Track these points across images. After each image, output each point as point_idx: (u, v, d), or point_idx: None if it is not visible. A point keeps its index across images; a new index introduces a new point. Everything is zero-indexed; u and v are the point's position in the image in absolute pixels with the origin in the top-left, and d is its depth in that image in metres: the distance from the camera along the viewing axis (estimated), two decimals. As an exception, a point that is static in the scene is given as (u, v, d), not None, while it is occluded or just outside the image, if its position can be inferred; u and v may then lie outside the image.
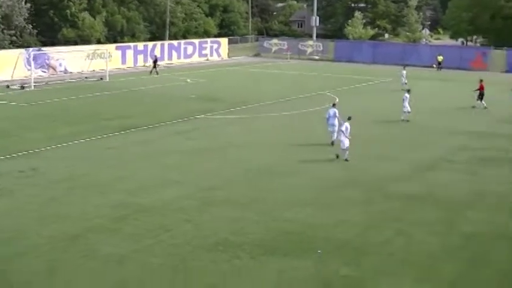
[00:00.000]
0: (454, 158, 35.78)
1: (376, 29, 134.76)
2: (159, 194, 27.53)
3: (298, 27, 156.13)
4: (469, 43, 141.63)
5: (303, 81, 71.76)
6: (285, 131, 42.53)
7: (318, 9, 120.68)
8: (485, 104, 53.21)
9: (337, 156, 34.00)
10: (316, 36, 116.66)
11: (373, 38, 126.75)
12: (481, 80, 54.80)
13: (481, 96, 53.81)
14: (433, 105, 54.44)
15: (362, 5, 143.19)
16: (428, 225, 24.12)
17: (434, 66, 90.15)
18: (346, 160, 33.56)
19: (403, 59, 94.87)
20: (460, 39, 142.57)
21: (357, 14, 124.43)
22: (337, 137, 36.27)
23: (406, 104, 46.10)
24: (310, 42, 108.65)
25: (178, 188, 28.57)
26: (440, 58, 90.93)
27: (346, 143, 33.50)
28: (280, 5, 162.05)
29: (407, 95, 46.63)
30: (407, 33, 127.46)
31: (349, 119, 34.37)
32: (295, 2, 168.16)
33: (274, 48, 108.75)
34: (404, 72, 65.76)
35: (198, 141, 38.75)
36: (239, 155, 35.12)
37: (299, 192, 28.20)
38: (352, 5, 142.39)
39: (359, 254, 21.18)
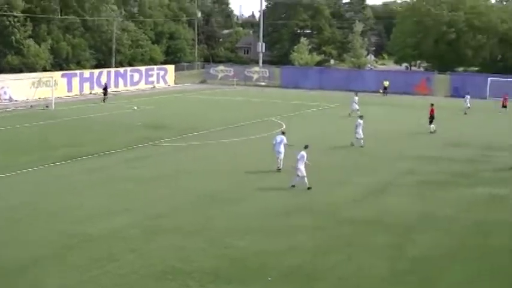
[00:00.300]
0: (402, 182, 36.06)
1: (322, 55, 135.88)
2: (106, 222, 27.17)
3: (245, 53, 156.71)
4: (414, 68, 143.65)
5: (250, 108, 71.91)
6: (233, 157, 42.46)
7: (264, 36, 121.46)
8: (434, 128, 53.86)
9: (293, 186, 33.57)
10: (263, 63, 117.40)
11: (319, 64, 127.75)
12: (432, 104, 55.65)
13: (431, 120, 54.50)
14: (380, 130, 54.91)
15: (308, 31, 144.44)
16: (378, 250, 24.19)
17: (381, 91, 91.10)
18: (308, 188, 33.04)
19: (348, 85, 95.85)
20: (405, 64, 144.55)
21: (303, 40, 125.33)
22: (283, 164, 36.41)
23: (360, 130, 46.38)
24: (257, 69, 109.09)
25: (125, 216, 28.24)
26: (386, 83, 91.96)
27: (303, 170, 33.19)
28: (226, 31, 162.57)
29: (360, 121, 46.92)
30: (353, 59, 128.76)
31: (305, 147, 34.17)
32: (241, 29, 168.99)
33: (220, 75, 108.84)
34: (357, 98, 66.09)
35: (146, 169, 38.46)
36: (188, 182, 34.92)
37: (248, 219, 28.08)
38: (298, 31, 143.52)
39: (309, 280, 21.11)
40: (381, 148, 46.51)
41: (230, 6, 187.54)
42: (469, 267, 22.69)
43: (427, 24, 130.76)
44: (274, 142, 37.95)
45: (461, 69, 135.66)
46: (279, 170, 37.12)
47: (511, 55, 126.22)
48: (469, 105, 70.58)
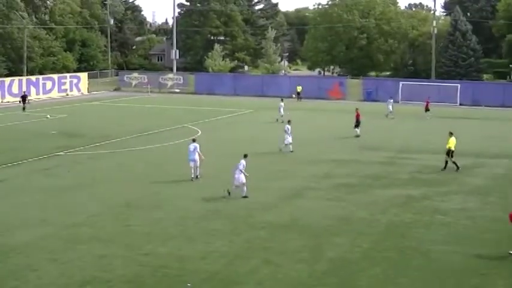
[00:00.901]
0: (318, 186, 36.48)
1: (236, 61, 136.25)
2: (23, 233, 26.71)
3: (159, 60, 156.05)
4: (327, 73, 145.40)
5: (164, 115, 71.57)
6: (148, 165, 42.23)
7: (177, 42, 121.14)
8: (358, 132, 54.81)
9: (229, 193, 33.10)
10: (177, 70, 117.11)
11: (233, 70, 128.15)
12: (357, 109, 56.57)
13: (357, 124, 55.34)
14: (296, 134, 55.38)
15: (221, 37, 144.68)
16: (295, 253, 24.42)
17: (294, 96, 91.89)
18: (245, 197, 32.81)
19: (263, 91, 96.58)
20: (318, 70, 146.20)
21: (217, 46, 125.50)
22: (199, 172, 36.51)
23: (288, 135, 46.74)
24: (171, 76, 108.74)
25: (42, 226, 27.82)
26: (299, 88, 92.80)
27: (242, 178, 32.94)
28: (139, 38, 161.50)
29: (288, 126, 47.32)
30: (266, 65, 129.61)
31: (245, 156, 33.97)
32: (154, 36, 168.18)
33: (134, 82, 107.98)
34: (282, 104, 65.99)
35: (61, 178, 37.91)
36: (103, 191, 34.59)
37: (166, 226, 27.98)
38: (212, 38, 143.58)
39: (228, 284, 21.20)
40: (298, 152, 46.93)
41: (143, 13, 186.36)
42: (386, 268, 23.11)
43: (339, 30, 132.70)
44: (189, 151, 37.71)
45: (373, 73, 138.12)
46: (195, 178, 36.93)
47: (421, 59, 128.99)
48: (391, 109, 71.85)
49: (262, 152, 46.35)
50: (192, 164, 37.18)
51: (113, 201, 32.14)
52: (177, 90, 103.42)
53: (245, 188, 32.99)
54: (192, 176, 37.02)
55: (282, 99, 68.08)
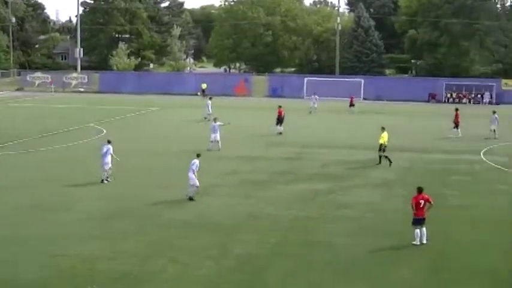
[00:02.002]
0: (225, 182, 36.54)
1: (141, 59, 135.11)
2: None
3: (62, 59, 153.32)
4: (233, 70, 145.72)
5: (69, 114, 70.39)
6: (54, 165, 41.42)
7: (81, 41, 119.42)
8: (281, 129, 55.05)
9: (190, 198, 32.40)
10: (81, 68, 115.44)
11: (138, 68, 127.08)
12: (280, 106, 56.72)
13: (280, 121, 55.47)
14: (202, 133, 55.35)
15: (126, 35, 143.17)
16: (202, 251, 24.38)
17: (199, 93, 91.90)
18: (191, 199, 32.23)
19: (168, 88, 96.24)
20: (224, 67, 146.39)
21: (121, 44, 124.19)
22: (109, 174, 36.04)
23: (214, 133, 46.79)
24: (75, 75, 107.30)
25: None
26: (204, 86, 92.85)
27: (196, 180, 32.36)
28: (42, 37, 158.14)
29: (219, 123, 47.40)
30: (172, 63, 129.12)
31: (198, 156, 33.53)
32: (57, 34, 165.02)
33: (37, 82, 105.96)
34: (210, 102, 65.32)
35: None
36: (6, 192, 33.74)
37: (72, 227, 27.49)
38: (117, 35, 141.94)
39: (136, 284, 21.02)
40: (200, 150, 46.86)
41: (46, 11, 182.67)
42: (293, 263, 23.32)
43: (244, 27, 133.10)
44: (101, 153, 36.40)
45: (278, 70, 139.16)
46: (102, 181, 36.08)
47: (325, 55, 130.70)
48: (315, 105, 72.67)
49: (168, 150, 46.18)
50: (106, 166, 36.15)
51: (14, 204, 31.29)
52: (82, 90, 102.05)
53: (194, 189, 32.40)
54: (103, 178, 36.17)
55: (210, 98, 67.38)
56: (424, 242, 25.54)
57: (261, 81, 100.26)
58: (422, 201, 25.64)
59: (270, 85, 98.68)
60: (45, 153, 45.96)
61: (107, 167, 36.10)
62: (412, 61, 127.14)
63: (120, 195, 33.10)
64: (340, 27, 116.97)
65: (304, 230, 27.58)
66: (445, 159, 44.91)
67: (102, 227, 27.58)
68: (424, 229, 25.58)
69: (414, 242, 25.48)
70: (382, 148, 42.06)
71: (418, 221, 25.60)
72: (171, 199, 32.39)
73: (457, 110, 56.51)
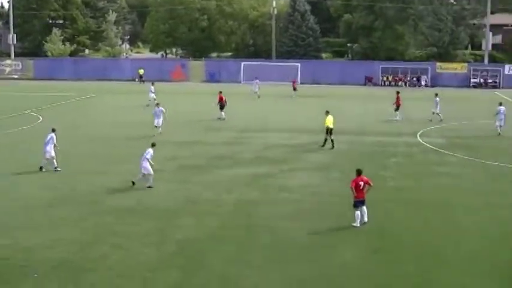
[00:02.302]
0: (164, 168, 36.30)
1: (76, 45, 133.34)
2: None
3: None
4: (170, 55, 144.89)
5: (3, 102, 68.93)
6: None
7: (14, 27, 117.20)
8: (224, 116, 54.85)
9: (133, 184, 31.97)
10: (15, 55, 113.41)
11: (74, 54, 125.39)
12: (220, 92, 56.50)
13: (221, 107, 55.28)
14: (139, 118, 55.01)
15: (60, 21, 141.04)
16: (143, 236, 24.26)
17: (136, 79, 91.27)
18: (149, 187, 31.69)
19: (105, 74, 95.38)
20: (160, 52, 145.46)
21: (55, 30, 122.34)
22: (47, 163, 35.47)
23: (159, 118, 46.76)
24: (9, 62, 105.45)
25: None
26: (141, 71, 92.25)
27: (149, 168, 31.77)
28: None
29: (158, 108, 47.24)
30: (108, 48, 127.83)
31: (152, 145, 32.88)
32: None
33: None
34: (153, 87, 64.69)
35: None
36: None
37: (9, 216, 26.96)
38: (50, 21, 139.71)
39: (77, 272, 20.77)
40: (138, 135, 46.67)
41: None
42: (234, 246, 23.36)
43: (180, 12, 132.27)
44: (45, 140, 35.50)
45: (215, 55, 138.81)
46: (41, 168, 35.43)
47: (261, 40, 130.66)
48: (257, 90, 72.71)
49: (106, 137, 45.77)
50: (46, 155, 35.39)
51: (-50, 193, 30.78)
52: (16, 76, 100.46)
53: (151, 178, 31.94)
54: (42, 165, 35.43)
55: (152, 83, 66.78)
56: (365, 220, 26.00)
57: (197, 66, 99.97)
58: (361, 183, 25.93)
59: (207, 70, 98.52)
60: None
61: (47, 155, 35.28)
62: (348, 45, 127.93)
63: (59, 182, 32.69)
64: (276, 12, 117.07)
65: (244, 213, 27.64)
66: (383, 142, 45.44)
67: (40, 215, 27.18)
68: (364, 207, 25.98)
69: (354, 224, 25.75)
70: (328, 131, 42.45)
71: (359, 203, 25.91)
72: (110, 186, 32.10)
73: (398, 93, 57.20)
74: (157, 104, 48.74)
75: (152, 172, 31.89)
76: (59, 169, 35.28)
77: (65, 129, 47.19)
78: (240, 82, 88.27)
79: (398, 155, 40.99)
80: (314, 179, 34.03)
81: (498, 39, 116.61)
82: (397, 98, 56.02)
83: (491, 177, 35.47)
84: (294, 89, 74.62)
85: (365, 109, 48.39)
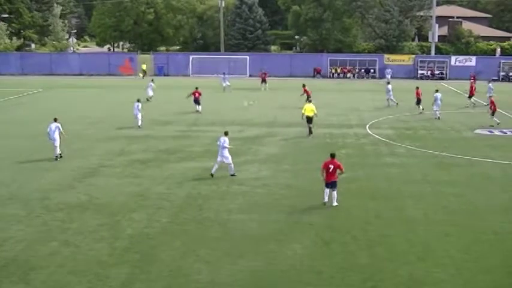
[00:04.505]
0: (113, 163, 36.10)
1: (22, 39, 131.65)
2: None
3: None
4: (117, 49, 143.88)
5: None
6: None
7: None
8: (199, 109, 55.54)
9: (212, 176, 32.50)
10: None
11: (20, 48, 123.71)
12: (197, 88, 56.70)
13: (197, 102, 55.87)
14: (87, 112, 54.62)
15: (5, 15, 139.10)
16: (93, 232, 24.05)
17: (140, 74, 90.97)
18: (233, 175, 32.70)
19: (51, 69, 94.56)
20: (107, 46, 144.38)
21: (1, 24, 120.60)
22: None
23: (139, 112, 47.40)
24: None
25: None
26: (144, 66, 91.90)
27: (229, 157, 32.53)
28: None
29: (139, 104, 47.78)
30: (54, 43, 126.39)
31: (226, 133, 33.13)
32: None
33: None
34: (153, 84, 64.40)
35: None
36: None
37: (-45, 214, 26.65)
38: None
39: (27, 270, 20.51)
40: (91, 130, 46.32)
41: None
42: (186, 240, 23.27)
43: (127, 6, 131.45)
44: (48, 130, 36.75)
45: (163, 48, 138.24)
46: (59, 156, 36.70)
47: (210, 33, 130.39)
48: (227, 83, 72.78)
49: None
50: (56, 143, 36.50)
51: None
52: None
53: (232, 166, 32.79)
54: (56, 155, 36.57)
55: (152, 80, 66.13)
56: (334, 204, 27.29)
57: (146, 59, 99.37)
58: (331, 166, 27.33)
59: (155, 64, 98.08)
60: None
61: (56, 143, 36.51)
62: (296, 37, 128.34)
63: (7, 179, 32.24)
64: (223, 5, 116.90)
65: (195, 207, 27.56)
66: (333, 134, 45.71)
67: (-13, 213, 26.81)
68: (334, 192, 27.32)
69: (324, 200, 27.52)
70: (308, 119, 44.20)
71: (328, 185, 27.43)
72: (60, 182, 31.78)
73: (417, 88, 58.02)
74: (138, 99, 48.75)
75: (231, 160, 32.56)
76: (60, 156, 36.76)
77: (9, 124, 46.80)
78: (189, 75, 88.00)
79: (348, 147, 41.27)
80: (264, 171, 34.10)
81: (444, 30, 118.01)
82: (417, 93, 56.85)
83: (439, 166, 35.89)
84: (263, 81, 74.87)
85: (314, 101, 48.59)
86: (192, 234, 24.03)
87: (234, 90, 72.45)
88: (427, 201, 28.87)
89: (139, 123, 47.46)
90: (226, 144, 32.53)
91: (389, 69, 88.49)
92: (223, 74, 76.08)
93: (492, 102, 49.43)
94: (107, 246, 22.68)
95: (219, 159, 32.70)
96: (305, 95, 55.69)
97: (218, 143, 32.86)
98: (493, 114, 48.66)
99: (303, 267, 20.95)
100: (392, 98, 59.33)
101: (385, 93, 59.34)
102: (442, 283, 19.93)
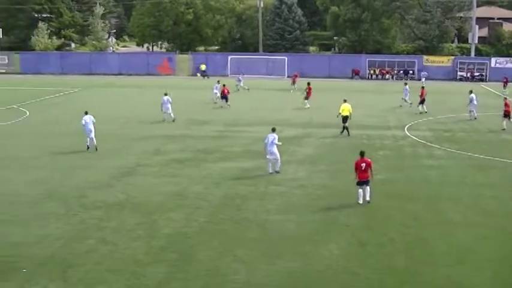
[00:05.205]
0: (150, 162, 36.27)
1: (63, 39, 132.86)
2: None
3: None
4: (156, 49, 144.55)
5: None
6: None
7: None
8: (226, 104, 57.24)
9: (273, 173, 33.25)
10: (1, 49, 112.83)
11: (60, 48, 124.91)
12: (224, 85, 58.61)
13: (225, 98, 57.79)
14: (124, 112, 54.98)
15: (46, 15, 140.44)
16: (131, 231, 24.18)
17: (198, 74, 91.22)
18: (277, 172, 33.26)
19: (91, 68, 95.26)
20: (146, 46, 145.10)
21: (41, 24, 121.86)
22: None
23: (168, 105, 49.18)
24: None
25: None
26: (203, 67, 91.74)
27: (277, 153, 33.13)
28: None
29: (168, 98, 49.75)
30: (94, 42, 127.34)
31: (273, 130, 33.79)
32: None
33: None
34: (218, 85, 63.66)
35: None
36: None
37: (-5, 211, 26.97)
38: (36, 15, 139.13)
39: (65, 267, 20.69)
40: (128, 129, 46.59)
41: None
42: (223, 240, 23.29)
43: (166, 6, 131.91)
44: (83, 122, 38.97)
45: (202, 48, 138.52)
46: (93, 149, 38.21)
47: (248, 33, 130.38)
48: (242, 84, 72.86)
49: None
50: (91, 134, 38.80)
51: None
52: (2, 71, 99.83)
53: (279, 163, 33.32)
54: (94, 145, 38.82)
55: (218, 81, 65.89)
56: (368, 199, 27.58)
57: (184, 59, 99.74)
58: (363, 165, 27.68)
59: (194, 64, 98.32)
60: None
61: (92, 135, 38.79)
62: (335, 38, 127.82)
63: (46, 178, 32.54)
64: (262, 4, 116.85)
65: (233, 207, 27.58)
66: (371, 135, 45.47)
67: (26, 211, 26.99)
68: (368, 187, 27.66)
69: (359, 201, 27.58)
70: (343, 119, 44.64)
71: (361, 183, 27.66)
72: (95, 180, 32.00)
73: (422, 88, 58.19)
74: (166, 93, 50.43)
75: (279, 157, 33.04)
76: (96, 149, 38.81)
77: (49, 124, 47.25)
78: (227, 75, 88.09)
79: (386, 148, 41.06)
80: (301, 172, 34.04)
81: (484, 32, 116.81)
82: (422, 93, 56.84)
83: (477, 169, 35.58)
84: (294, 82, 74.66)
85: (352, 102, 48.33)
86: (229, 234, 24.06)
87: (272, 91, 72.44)
88: (465, 203, 28.64)
89: (172, 116, 49.22)
90: (276, 141, 33.07)
91: (425, 72, 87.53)
92: (241, 74, 76.45)
93: (506, 105, 48.82)
94: (144, 245, 22.79)
95: (269, 156, 33.07)
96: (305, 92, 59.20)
97: (266, 141, 33.22)
98: (505, 116, 48.31)
99: (339, 268, 20.89)
100: (407, 98, 59.61)
101: (405, 94, 59.64)
102: (481, 286, 19.75)
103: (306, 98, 58.68)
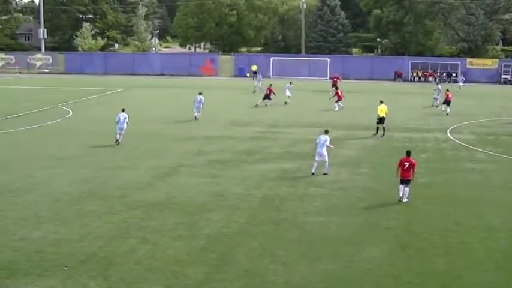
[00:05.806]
0: (191, 163, 36.42)
1: (106, 39, 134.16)
2: None
3: (26, 40, 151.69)
4: (198, 50, 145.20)
5: (34, 96, 69.57)
6: (19, 148, 40.88)
7: (44, 21, 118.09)
8: (267, 103, 56.71)
9: (313, 174, 33.41)
10: (45, 49, 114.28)
11: (104, 48, 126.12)
12: (270, 85, 60.67)
13: (267, 97, 59.02)
14: (164, 113, 55.27)
15: (90, 16, 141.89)
16: (171, 231, 24.31)
17: (248, 75, 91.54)
18: (325, 174, 33.41)
19: (133, 69, 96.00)
20: (188, 46, 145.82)
21: (85, 25, 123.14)
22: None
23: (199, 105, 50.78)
24: (39, 56, 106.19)
25: None
26: (254, 67, 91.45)
27: (326, 155, 33.38)
28: (4, 17, 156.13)
29: (201, 97, 51.40)
30: (137, 43, 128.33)
31: (326, 132, 34.12)
32: (20, 15, 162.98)
33: (1, 63, 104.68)
34: (290, 86, 64.31)
35: None
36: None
37: (39, 209, 27.15)
38: (80, 16, 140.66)
39: (105, 265, 20.88)
40: (170, 130, 46.82)
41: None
42: (263, 241, 23.31)
43: (210, 7, 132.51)
44: (117, 120, 41.13)
45: (244, 49, 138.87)
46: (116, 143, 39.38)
47: (291, 35, 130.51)
48: (260, 85, 72.83)
49: (133, 131, 45.86)
50: (122, 131, 41.07)
51: (-18, 186, 31.00)
52: (47, 71, 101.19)
53: (327, 165, 33.53)
54: (117, 138, 40.96)
55: (290, 82, 66.18)
56: (404, 200, 27.97)
57: (227, 60, 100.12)
58: (407, 164, 28.05)
59: (236, 65, 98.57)
60: (11, 135, 45.42)
61: (123, 131, 41.15)
62: (378, 40, 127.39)
63: (88, 177, 32.81)
64: (305, 6, 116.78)
65: (273, 208, 27.60)
66: (413, 138, 45.19)
67: (68, 210, 27.25)
68: (407, 189, 28.00)
69: (399, 197, 28.34)
70: (380, 120, 45.22)
71: (403, 181, 28.05)
72: (136, 179, 32.23)
73: (447, 90, 58.08)
74: (200, 93, 51.95)
75: (327, 159, 33.32)
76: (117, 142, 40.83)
77: (92, 123, 47.65)
78: (270, 77, 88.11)
79: (428, 151, 40.77)
80: (342, 174, 33.93)
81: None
82: (447, 95, 56.94)
83: (522, 173, 35.20)
84: (334, 85, 74.10)
85: (395, 105, 48.08)
86: (269, 236, 24.07)
87: (314, 93, 72.30)
88: (508, 208, 28.32)
89: (196, 114, 50.92)
90: (328, 143, 33.27)
91: (463, 77, 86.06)
92: (258, 74, 77.16)
93: None
94: (185, 245, 22.89)
95: (317, 158, 33.21)
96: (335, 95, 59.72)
97: (317, 141, 33.36)
98: None
99: (380, 271, 20.78)
100: (437, 98, 60.72)
101: (436, 94, 59.95)
102: (522, 292, 19.56)
103: (337, 100, 58.90)
